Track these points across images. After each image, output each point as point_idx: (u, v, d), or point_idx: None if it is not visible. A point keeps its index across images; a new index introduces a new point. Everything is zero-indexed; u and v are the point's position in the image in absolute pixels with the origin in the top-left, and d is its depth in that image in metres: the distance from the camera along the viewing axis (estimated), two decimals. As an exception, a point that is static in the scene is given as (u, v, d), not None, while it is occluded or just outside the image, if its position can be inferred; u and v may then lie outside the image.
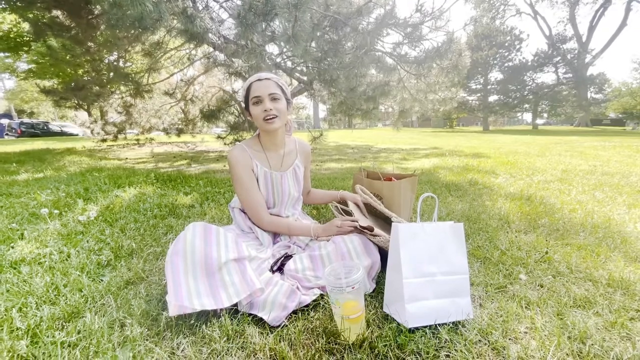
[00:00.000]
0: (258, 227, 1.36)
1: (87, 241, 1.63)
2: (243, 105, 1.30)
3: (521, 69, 28.53)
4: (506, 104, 29.55)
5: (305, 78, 5.58)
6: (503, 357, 0.84)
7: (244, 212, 1.40)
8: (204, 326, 0.94)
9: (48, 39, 6.68)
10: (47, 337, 0.91)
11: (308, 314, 1.01)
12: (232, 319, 0.97)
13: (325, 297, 1.08)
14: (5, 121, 21.11)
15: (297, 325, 0.95)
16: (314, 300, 1.07)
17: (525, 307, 1.04)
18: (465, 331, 0.93)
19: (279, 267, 1.21)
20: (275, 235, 1.40)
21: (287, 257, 1.25)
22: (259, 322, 0.98)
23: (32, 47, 10.67)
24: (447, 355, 0.84)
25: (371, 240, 1.21)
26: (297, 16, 3.02)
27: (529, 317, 0.98)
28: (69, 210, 2.17)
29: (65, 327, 0.97)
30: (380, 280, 1.20)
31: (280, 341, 0.89)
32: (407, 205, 1.64)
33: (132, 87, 6.70)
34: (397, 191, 1.60)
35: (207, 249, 1.00)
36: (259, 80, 1.25)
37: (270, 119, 1.25)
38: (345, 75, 4.81)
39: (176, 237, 1.16)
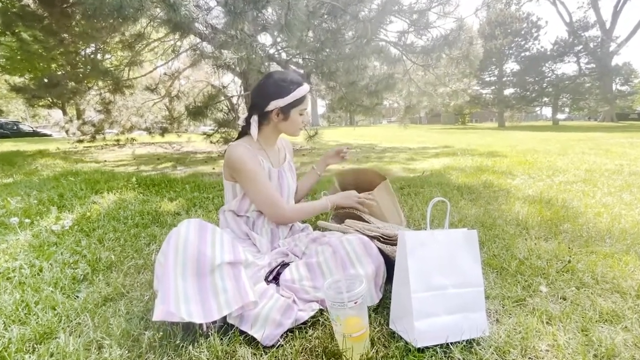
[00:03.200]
0: (280, 223, 1.42)
1: (62, 253, 1.63)
2: (282, 104, 1.33)
3: (539, 59, 28.64)
4: (523, 98, 29.62)
5: (301, 71, 5.59)
6: (522, 379, 0.83)
7: (239, 216, 1.41)
8: (190, 347, 0.94)
9: (19, 30, 6.70)
10: (16, 361, 0.91)
11: (306, 332, 1.01)
12: (221, 339, 0.96)
13: (324, 313, 1.08)
14: (-30, 121, 21.08)
15: (294, 345, 0.95)
16: (312, 317, 1.06)
17: (547, 322, 1.04)
18: (480, 350, 0.92)
19: (274, 276, 1.21)
20: (273, 241, 1.40)
21: (284, 265, 1.25)
22: (251, 341, 0.98)
23: (1, 40, 10.68)
24: (461, 377, 0.84)
25: (383, 250, 1.21)
26: (290, 3, 3.03)
27: (551, 334, 0.98)
28: (41, 218, 2.16)
29: (37, 349, 0.96)
30: (386, 294, 1.19)
31: (275, 363, 0.89)
32: (390, 211, 1.63)
33: (111, 83, 6.71)
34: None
35: (201, 245, 1.00)
36: (308, 93, 1.39)
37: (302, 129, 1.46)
38: (346, 68, 4.82)
39: (160, 247, 1.16)
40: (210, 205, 2.46)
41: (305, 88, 1.36)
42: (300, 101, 1.35)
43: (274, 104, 1.33)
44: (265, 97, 1.34)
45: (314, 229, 1.57)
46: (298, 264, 1.21)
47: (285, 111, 1.35)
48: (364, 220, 1.46)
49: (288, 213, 1.38)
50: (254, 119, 1.36)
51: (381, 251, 1.21)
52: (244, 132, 1.43)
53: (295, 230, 1.49)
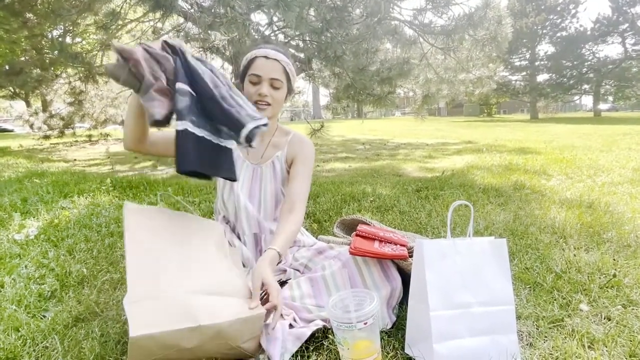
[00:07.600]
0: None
1: (26, 266, 1.63)
2: (242, 73, 1.36)
3: (578, 40, 28.51)
4: (559, 85, 29.50)
5: (302, 55, 5.59)
6: (560, 412, 0.83)
7: (227, 222, 1.43)
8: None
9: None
10: (-25, 390, 0.91)
11: (308, 358, 1.01)
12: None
13: (329, 335, 1.08)
14: None
15: (295, 373, 0.95)
16: (314, 338, 1.06)
17: (588, 347, 1.03)
18: (511, 378, 0.92)
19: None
20: (256, 248, 1.39)
21: (281, 283, 1.25)
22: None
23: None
24: (488, 410, 0.84)
25: (397, 264, 1.21)
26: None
27: (593, 359, 0.98)
28: (3, 227, 2.17)
29: (-2, 377, 0.97)
30: (401, 313, 1.19)
31: (272, 393, 0.89)
32: None
33: (82, 69, 6.74)
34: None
35: None
36: (265, 57, 1.30)
37: (263, 105, 1.30)
38: (353, 51, 4.82)
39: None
40: (196, 212, 2.47)
41: (258, 51, 1.33)
42: (249, 65, 1.33)
43: (241, 77, 1.37)
44: None
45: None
46: (299, 280, 1.21)
47: (242, 80, 1.36)
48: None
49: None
50: None
51: (398, 268, 1.21)
52: None
53: (298, 244, 1.45)
